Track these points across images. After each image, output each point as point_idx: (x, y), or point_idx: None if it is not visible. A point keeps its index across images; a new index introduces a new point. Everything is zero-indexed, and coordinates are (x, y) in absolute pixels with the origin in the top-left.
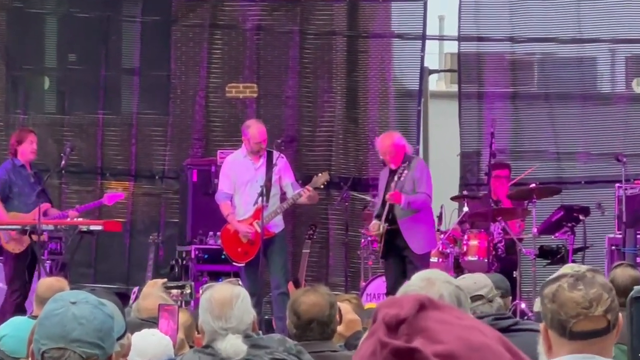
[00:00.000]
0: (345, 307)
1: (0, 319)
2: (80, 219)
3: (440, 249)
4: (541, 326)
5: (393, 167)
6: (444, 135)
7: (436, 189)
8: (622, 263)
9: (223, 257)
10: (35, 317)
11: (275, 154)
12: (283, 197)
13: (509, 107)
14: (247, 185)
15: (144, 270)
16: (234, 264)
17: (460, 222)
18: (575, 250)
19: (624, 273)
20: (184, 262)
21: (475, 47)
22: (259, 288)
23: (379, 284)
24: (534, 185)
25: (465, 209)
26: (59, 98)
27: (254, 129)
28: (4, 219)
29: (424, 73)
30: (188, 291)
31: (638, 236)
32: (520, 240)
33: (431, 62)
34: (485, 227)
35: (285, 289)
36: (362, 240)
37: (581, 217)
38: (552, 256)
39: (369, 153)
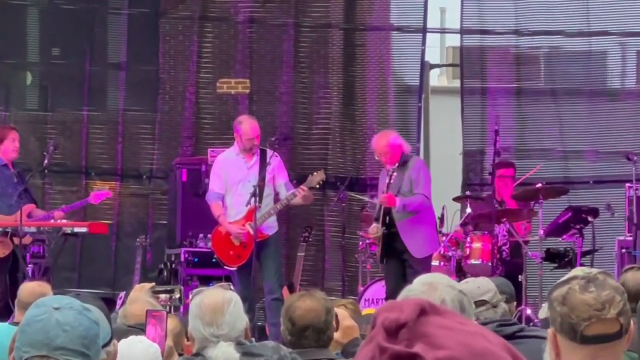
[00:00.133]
0: (343, 313)
1: None
2: (64, 221)
3: (442, 252)
4: (549, 332)
5: (389, 167)
6: (446, 133)
7: (438, 190)
8: (633, 267)
9: (214, 260)
10: (17, 324)
11: (269, 152)
12: (277, 197)
13: (514, 104)
14: (239, 184)
15: (131, 274)
16: (226, 267)
17: (463, 224)
18: (584, 253)
19: (634, 277)
20: (173, 265)
21: (478, 41)
22: (251, 293)
23: (378, 289)
24: (540, 185)
25: (468, 210)
26: (41, 94)
27: (246, 124)
28: None
29: (425, 68)
30: (177, 296)
31: None
32: (526, 242)
33: (432, 56)
34: (489, 229)
35: (279, 294)
36: (360, 242)
37: (590, 218)
38: (560, 259)
39: (367, 151)
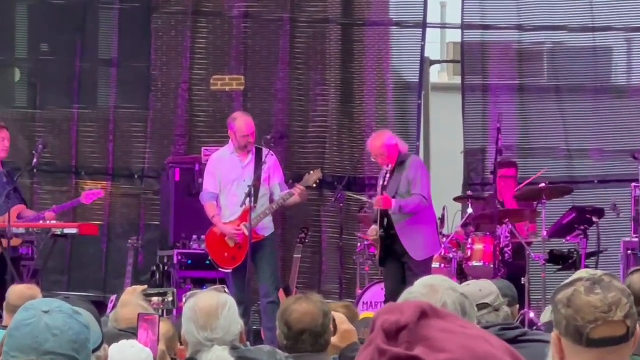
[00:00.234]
0: (340, 317)
1: None
2: (53, 222)
3: (442, 254)
4: (553, 335)
5: (386, 169)
6: (446, 131)
7: (438, 190)
8: (639, 269)
9: (208, 262)
10: (5, 328)
11: (265, 151)
12: (272, 197)
13: (517, 101)
14: (234, 184)
15: (123, 277)
16: (220, 270)
17: (464, 225)
18: (588, 255)
19: None
20: (166, 268)
21: (480, 36)
22: (247, 296)
23: (377, 292)
24: (543, 185)
25: (470, 210)
26: (30, 91)
27: (241, 121)
28: None
29: (425, 64)
30: (170, 299)
31: None
32: (529, 244)
33: (432, 52)
34: (491, 230)
35: (275, 297)
36: (358, 244)
37: (594, 219)
38: (564, 261)
39: (365, 150)
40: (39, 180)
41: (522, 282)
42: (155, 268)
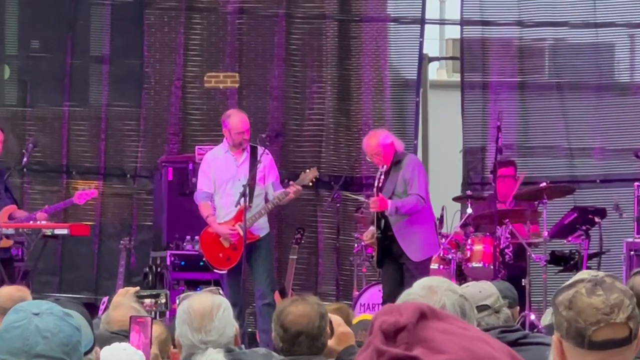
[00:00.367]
0: (337, 319)
1: None
2: (44, 222)
3: (441, 255)
4: (554, 338)
5: (381, 169)
6: (445, 129)
7: (437, 189)
8: None
9: (202, 263)
10: None
11: (260, 149)
12: (266, 196)
13: (517, 99)
14: (229, 183)
15: (115, 278)
16: (215, 271)
17: (464, 225)
18: (590, 256)
19: None
20: (159, 269)
21: (479, 32)
22: (241, 298)
23: (374, 294)
24: (544, 184)
25: (469, 210)
26: (20, 89)
27: (235, 117)
28: None
29: (423, 61)
30: (163, 301)
31: None
32: (530, 245)
33: (431, 48)
34: (491, 230)
35: (271, 299)
36: (356, 245)
37: (597, 219)
38: (565, 262)
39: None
40: (29, 179)
41: (523, 284)
42: (147, 269)
